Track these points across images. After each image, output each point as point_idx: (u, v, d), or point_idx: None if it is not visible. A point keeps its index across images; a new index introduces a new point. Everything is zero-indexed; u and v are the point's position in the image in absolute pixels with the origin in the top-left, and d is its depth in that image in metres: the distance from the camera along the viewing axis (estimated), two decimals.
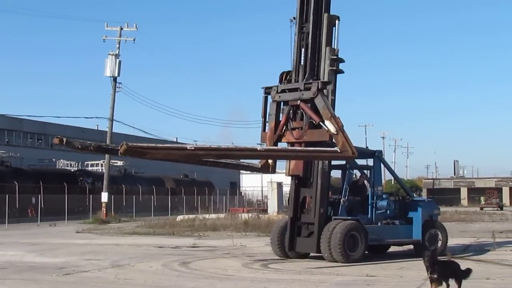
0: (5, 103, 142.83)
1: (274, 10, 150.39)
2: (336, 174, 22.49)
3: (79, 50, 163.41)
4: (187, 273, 17.22)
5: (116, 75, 52.17)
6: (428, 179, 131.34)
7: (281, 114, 19.99)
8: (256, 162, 19.82)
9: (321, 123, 18.73)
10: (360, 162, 21.78)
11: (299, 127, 19.65)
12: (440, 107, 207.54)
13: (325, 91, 19.13)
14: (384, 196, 21.20)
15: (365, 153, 21.98)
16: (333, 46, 20.07)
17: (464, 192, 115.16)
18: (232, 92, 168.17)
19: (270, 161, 19.50)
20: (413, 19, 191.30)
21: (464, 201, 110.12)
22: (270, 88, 20.07)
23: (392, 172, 23.87)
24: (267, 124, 20.11)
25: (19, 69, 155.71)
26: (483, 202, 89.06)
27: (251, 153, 17.71)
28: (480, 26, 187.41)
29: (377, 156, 21.39)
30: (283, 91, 19.87)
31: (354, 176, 21.43)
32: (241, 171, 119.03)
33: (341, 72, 19.94)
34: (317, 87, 19.00)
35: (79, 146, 16.04)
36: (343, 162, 20.93)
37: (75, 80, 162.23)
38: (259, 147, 18.20)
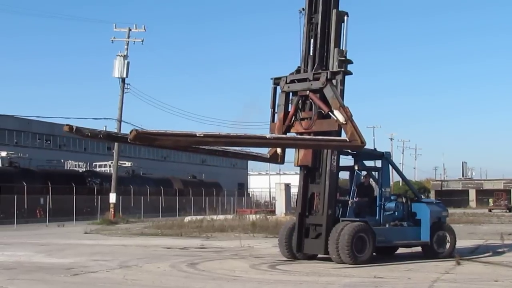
0: (13, 104, 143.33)
1: (283, 11, 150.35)
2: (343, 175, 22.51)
3: (88, 51, 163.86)
4: (195, 274, 17.22)
5: (124, 76, 52.31)
6: (436, 180, 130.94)
7: (290, 105, 20.00)
8: (265, 152, 19.76)
9: (330, 113, 18.70)
10: (368, 163, 21.76)
11: (308, 117, 19.61)
12: (448, 108, 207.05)
13: (334, 81, 19.12)
14: (392, 197, 21.14)
15: (373, 154, 21.95)
16: (341, 42, 20.03)
17: (472, 194, 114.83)
18: (240, 93, 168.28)
19: (279, 151, 19.46)
20: (421, 21, 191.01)
21: (473, 203, 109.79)
22: (279, 78, 20.06)
23: (400, 173, 23.80)
24: (276, 115, 20.09)
25: (27, 70, 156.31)
26: (492, 204, 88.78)
27: (260, 141, 17.52)
28: (488, 28, 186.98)
29: (385, 157, 21.36)
30: (292, 81, 19.85)
31: (362, 177, 21.38)
32: (249, 172, 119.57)
33: (350, 73, 19.90)
34: (326, 77, 19.00)
35: (89, 134, 16.01)
36: (351, 163, 20.93)
37: (84, 81, 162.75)
38: (268, 135, 18.10)
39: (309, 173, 20.20)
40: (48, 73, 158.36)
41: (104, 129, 77.73)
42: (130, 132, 15.09)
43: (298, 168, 20.60)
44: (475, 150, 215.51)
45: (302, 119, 19.76)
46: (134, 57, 76.53)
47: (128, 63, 52.45)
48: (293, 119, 19.80)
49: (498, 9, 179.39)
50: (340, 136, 18.92)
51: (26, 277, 16.77)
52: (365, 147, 21.10)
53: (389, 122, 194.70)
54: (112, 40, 53.57)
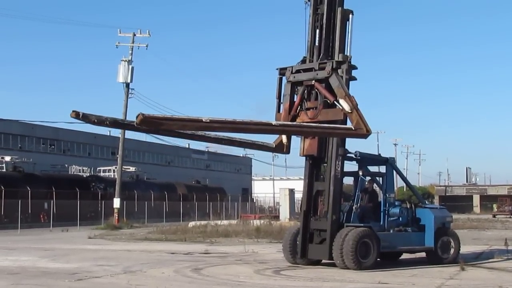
0: (18, 108, 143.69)
1: (287, 16, 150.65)
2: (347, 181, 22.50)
3: (92, 56, 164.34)
4: (199, 279, 17.21)
5: (128, 81, 52.25)
6: (440, 186, 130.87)
7: (295, 95, 19.95)
8: (271, 142, 19.64)
9: (335, 102, 18.66)
10: (373, 169, 21.75)
11: (314, 107, 19.57)
12: (452, 114, 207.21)
13: (339, 70, 19.09)
14: (396, 203, 21.14)
15: (377, 160, 21.94)
16: (346, 41, 20.01)
17: (476, 199, 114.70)
18: (247, 99, 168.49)
19: (284, 140, 19.38)
20: (425, 26, 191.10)
21: (477, 209, 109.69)
22: (285, 69, 20.06)
23: (404, 179, 23.78)
24: (281, 105, 20.05)
25: (32, 75, 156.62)
26: (496, 210, 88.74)
27: (266, 127, 17.29)
28: (494, 34, 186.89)
29: (390, 163, 21.34)
30: (298, 71, 19.85)
31: (366, 183, 21.35)
32: (253, 177, 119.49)
33: (354, 79, 19.88)
34: (331, 67, 19.01)
35: (95, 121, 15.91)
36: (356, 169, 20.91)
37: (88, 86, 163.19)
38: (274, 122, 17.99)
39: (314, 164, 20.18)
40: (52, 78, 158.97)
41: (109, 134, 78.25)
42: (137, 117, 14.95)
43: (302, 173, 20.58)
44: (479, 155, 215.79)
45: (308, 109, 19.71)
46: (138, 62, 76.42)
47: (132, 68, 52.39)
48: (298, 109, 19.76)
49: (504, 15, 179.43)
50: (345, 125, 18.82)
51: (30, 282, 16.77)
52: (369, 152, 21.15)
53: (393, 127, 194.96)
54: (116, 45, 53.54)
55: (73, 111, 15.33)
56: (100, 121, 16.13)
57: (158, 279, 17.14)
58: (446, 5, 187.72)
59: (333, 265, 19.28)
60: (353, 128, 18.01)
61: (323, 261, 20.00)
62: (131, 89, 52.75)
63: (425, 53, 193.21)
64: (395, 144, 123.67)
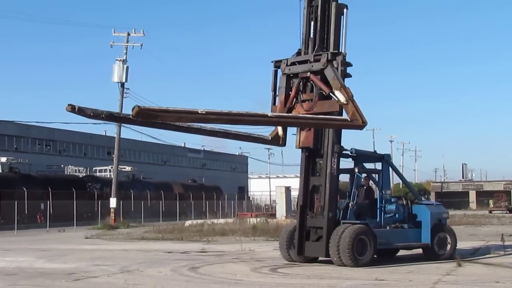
0: (13, 109, 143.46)
1: (283, 15, 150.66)
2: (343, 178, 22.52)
3: (87, 56, 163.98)
4: (196, 278, 17.23)
5: (123, 80, 52.15)
6: (437, 182, 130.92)
7: (291, 87, 19.91)
8: (267, 135, 19.62)
9: (331, 93, 18.65)
10: (368, 165, 21.77)
11: (309, 99, 19.54)
12: (448, 110, 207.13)
13: (334, 62, 19.07)
14: (392, 199, 21.18)
15: (373, 156, 21.96)
16: (341, 35, 20.04)
17: (472, 195, 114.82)
18: (243, 98, 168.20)
19: (280, 133, 19.36)
20: (420, 22, 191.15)
21: (473, 204, 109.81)
22: (280, 61, 20.03)
23: (400, 175, 23.83)
24: (277, 98, 20.04)
25: (27, 76, 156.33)
26: (492, 205, 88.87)
27: (262, 118, 17.18)
28: (489, 29, 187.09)
29: (385, 159, 21.38)
30: (293, 63, 19.83)
31: (362, 180, 21.38)
32: (249, 176, 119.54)
33: (349, 76, 19.89)
34: (326, 58, 18.99)
35: (91, 114, 15.88)
36: (351, 166, 20.94)
37: (83, 86, 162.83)
38: (269, 114, 17.95)
39: (310, 156, 20.19)
40: (47, 78, 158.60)
41: (104, 133, 78.23)
42: (133, 109, 14.92)
43: (298, 171, 20.60)
44: (475, 151, 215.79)
45: (303, 101, 19.67)
46: (133, 61, 76.53)
47: (127, 67, 52.29)
48: (294, 101, 19.72)
49: (497, 11, 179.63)
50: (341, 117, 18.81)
51: (27, 282, 16.76)
52: (365, 149, 21.15)
53: (389, 124, 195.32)
54: (111, 45, 53.44)
55: (68, 104, 15.29)
56: (96, 114, 16.10)
57: (155, 278, 17.15)
58: (442, 2, 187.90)
59: (330, 262, 19.31)
60: (349, 120, 17.98)
61: (320, 258, 20.03)
62: (126, 88, 52.66)
63: (420, 50, 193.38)
64: (391, 141, 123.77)
